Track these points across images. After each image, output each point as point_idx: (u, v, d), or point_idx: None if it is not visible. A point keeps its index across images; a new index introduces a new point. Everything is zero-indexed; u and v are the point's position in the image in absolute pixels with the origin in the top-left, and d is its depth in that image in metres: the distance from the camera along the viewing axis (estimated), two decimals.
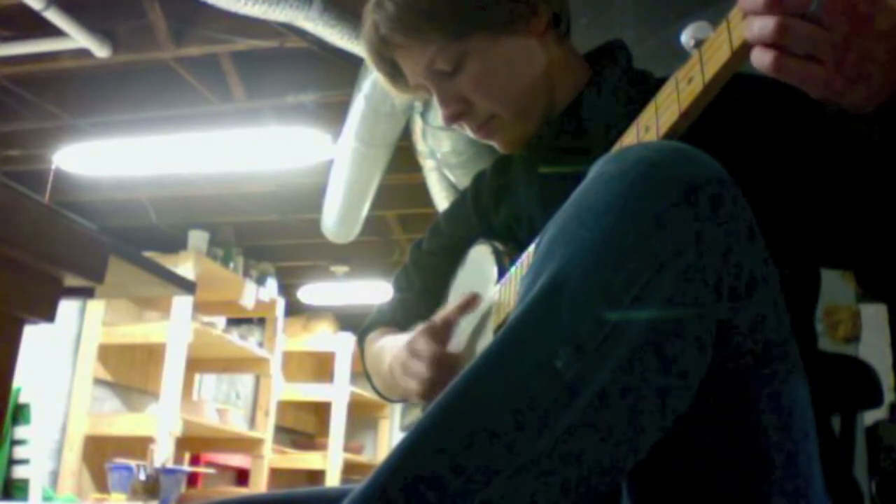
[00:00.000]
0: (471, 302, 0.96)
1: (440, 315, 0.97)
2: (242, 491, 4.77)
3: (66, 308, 3.93)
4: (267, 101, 3.30)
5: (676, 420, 0.61)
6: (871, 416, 2.18)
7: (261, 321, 4.84)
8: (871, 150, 0.75)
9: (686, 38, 0.72)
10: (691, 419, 0.61)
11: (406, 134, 3.13)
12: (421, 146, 3.15)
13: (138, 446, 3.51)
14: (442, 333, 0.96)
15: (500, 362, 0.59)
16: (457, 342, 1.01)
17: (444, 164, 3.04)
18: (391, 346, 1.06)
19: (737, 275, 0.62)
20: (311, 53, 3.01)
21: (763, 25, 0.61)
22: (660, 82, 0.79)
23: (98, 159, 3.52)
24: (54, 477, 3.81)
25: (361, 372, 1.27)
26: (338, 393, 5.33)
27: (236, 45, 2.93)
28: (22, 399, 2.50)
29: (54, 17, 2.65)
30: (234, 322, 4.81)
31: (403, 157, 3.36)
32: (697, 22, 0.72)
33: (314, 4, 2.48)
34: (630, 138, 0.82)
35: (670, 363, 0.59)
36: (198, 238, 4.13)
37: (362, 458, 5.75)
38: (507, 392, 0.58)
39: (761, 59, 0.63)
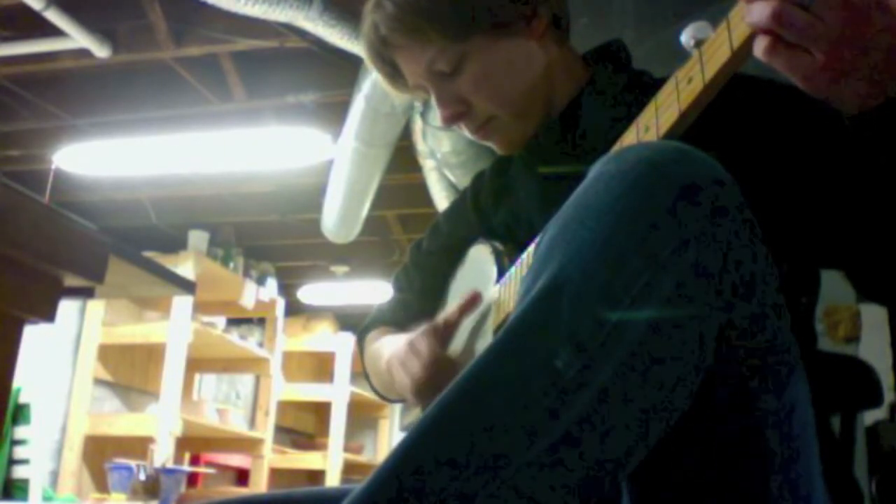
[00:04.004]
0: (472, 301, 0.97)
1: (442, 316, 0.98)
2: (242, 491, 4.77)
3: (66, 308, 3.93)
4: (267, 101, 3.30)
5: (676, 420, 0.61)
6: (871, 416, 2.18)
7: (261, 321, 4.84)
8: (869, 151, 0.75)
9: (686, 38, 0.72)
10: (691, 419, 0.61)
11: (406, 134, 3.13)
12: (421, 146, 3.15)
13: (138, 446, 3.51)
14: (444, 335, 0.96)
15: (500, 362, 0.59)
16: (457, 342, 1.01)
17: (444, 164, 3.04)
18: (390, 345, 1.06)
19: (737, 274, 0.62)
20: (311, 53, 3.01)
21: (761, 11, 0.62)
22: (659, 82, 0.79)
23: (98, 159, 3.52)
24: (54, 477, 3.81)
25: (361, 372, 1.28)
26: (338, 393, 5.33)
27: (236, 45, 2.93)
28: (22, 399, 2.50)
29: (54, 17, 2.65)
30: (234, 322, 4.81)
31: (403, 157, 3.37)
32: (697, 22, 0.72)
33: (314, 4, 2.48)
34: (630, 138, 0.82)
35: (671, 363, 0.59)
36: (198, 238, 4.13)
37: (362, 458, 5.75)
38: (507, 392, 0.58)
39: (757, 44, 0.64)
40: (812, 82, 0.63)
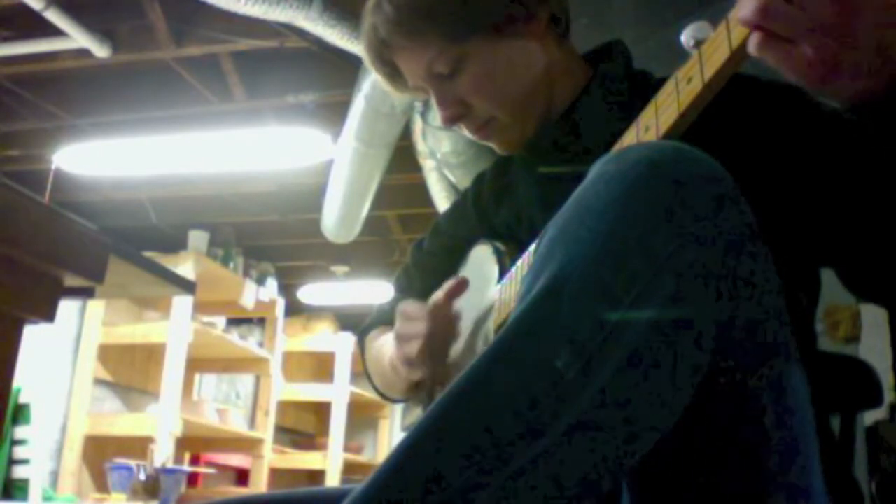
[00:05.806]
0: (459, 286, 0.97)
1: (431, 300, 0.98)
2: (242, 491, 4.77)
3: (66, 308, 3.93)
4: (267, 101, 3.30)
5: (676, 419, 0.61)
6: (871, 416, 2.17)
7: (261, 321, 4.85)
8: (870, 149, 0.75)
9: (686, 38, 0.72)
10: (691, 419, 0.61)
11: (406, 134, 3.13)
12: (421, 146, 3.15)
13: (138, 446, 3.51)
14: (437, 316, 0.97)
15: (500, 362, 0.59)
16: (458, 342, 1.01)
17: (444, 164, 3.04)
18: (391, 343, 1.06)
19: (737, 274, 0.62)
20: (311, 53, 3.01)
21: (748, 6, 0.62)
22: (659, 82, 0.79)
23: (98, 159, 3.52)
24: (54, 477, 3.81)
25: (361, 372, 1.28)
26: (338, 393, 5.33)
27: (236, 45, 2.93)
28: (22, 399, 2.50)
29: (54, 17, 2.65)
30: (234, 322, 4.81)
31: (403, 157, 3.37)
32: (697, 22, 0.73)
33: (314, 4, 2.48)
34: (630, 138, 0.82)
35: (670, 363, 0.59)
36: (198, 238, 4.13)
37: (362, 458, 5.75)
38: (507, 392, 0.58)
39: (750, 41, 0.64)
40: (803, 76, 0.63)
